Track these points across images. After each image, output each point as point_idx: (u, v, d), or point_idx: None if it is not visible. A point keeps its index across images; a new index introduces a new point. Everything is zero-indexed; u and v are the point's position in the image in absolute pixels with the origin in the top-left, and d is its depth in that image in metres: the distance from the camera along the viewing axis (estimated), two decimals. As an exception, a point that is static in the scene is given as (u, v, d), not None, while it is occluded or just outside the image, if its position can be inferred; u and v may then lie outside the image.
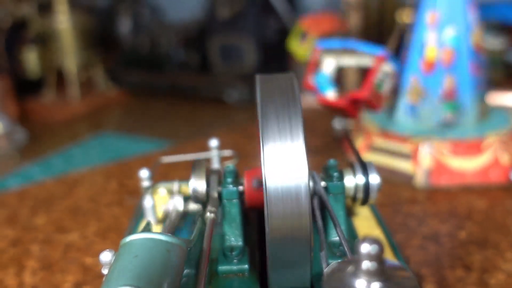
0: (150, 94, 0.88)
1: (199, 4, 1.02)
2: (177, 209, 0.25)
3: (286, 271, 0.18)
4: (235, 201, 0.22)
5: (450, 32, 0.42)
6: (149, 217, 0.26)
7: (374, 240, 0.14)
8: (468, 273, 0.29)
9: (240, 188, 0.22)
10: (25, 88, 0.82)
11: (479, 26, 0.43)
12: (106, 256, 0.17)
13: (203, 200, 0.22)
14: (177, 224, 0.24)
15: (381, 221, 0.26)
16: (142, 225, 0.25)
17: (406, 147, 0.42)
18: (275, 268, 0.18)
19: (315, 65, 0.40)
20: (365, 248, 0.14)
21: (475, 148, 0.41)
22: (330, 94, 0.38)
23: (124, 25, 0.95)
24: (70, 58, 0.80)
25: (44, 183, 0.45)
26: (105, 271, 0.17)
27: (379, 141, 0.44)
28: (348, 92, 0.38)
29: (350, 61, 0.40)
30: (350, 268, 0.15)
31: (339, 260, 0.19)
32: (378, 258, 0.14)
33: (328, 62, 0.39)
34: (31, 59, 0.78)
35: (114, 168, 0.48)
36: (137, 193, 0.42)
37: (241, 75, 0.77)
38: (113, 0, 0.99)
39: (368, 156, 0.43)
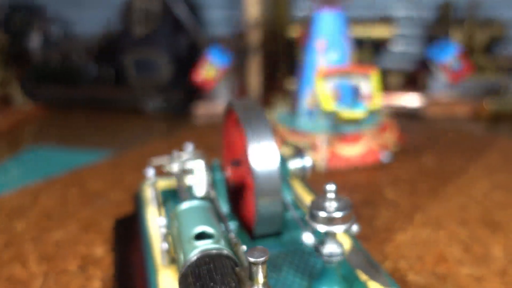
0: (67, 107, 0.91)
1: (105, 17, 1.08)
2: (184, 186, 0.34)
3: (266, 224, 0.30)
4: (221, 182, 0.33)
5: (334, 56, 0.57)
6: (154, 203, 0.35)
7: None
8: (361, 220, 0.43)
9: (226, 174, 0.33)
10: None
11: (352, 51, 0.59)
12: (161, 220, 0.27)
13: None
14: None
15: (309, 189, 0.39)
16: (149, 210, 0.35)
17: (308, 141, 0.56)
18: (259, 219, 0.29)
19: None
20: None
21: (356, 139, 0.56)
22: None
23: (34, 41, 0.97)
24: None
25: (4, 196, 0.51)
26: (162, 229, 0.27)
27: (289, 138, 0.57)
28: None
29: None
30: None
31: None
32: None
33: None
34: None
35: (69, 178, 0.54)
36: (102, 195, 0.50)
37: (157, 87, 0.86)
38: (21, 16, 1.00)
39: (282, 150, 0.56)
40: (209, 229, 0.24)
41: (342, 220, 0.24)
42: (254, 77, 0.79)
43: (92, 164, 0.58)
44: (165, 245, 0.27)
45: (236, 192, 0.34)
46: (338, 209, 0.24)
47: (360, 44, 0.73)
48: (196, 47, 0.91)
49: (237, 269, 0.22)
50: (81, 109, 0.91)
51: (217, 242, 0.23)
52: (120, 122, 0.82)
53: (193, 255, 0.22)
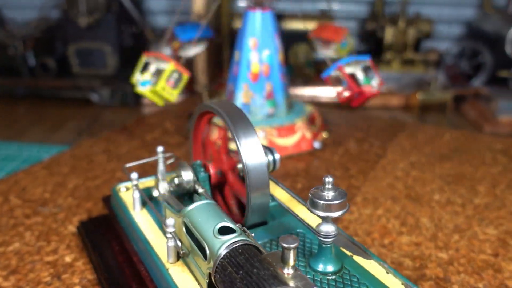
0: (7, 99, 0.86)
1: (37, 2, 1.03)
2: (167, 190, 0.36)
3: (256, 214, 0.33)
4: (206, 181, 0.35)
5: (266, 53, 0.61)
6: (137, 205, 0.36)
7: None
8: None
9: (208, 173, 0.35)
10: None
11: (282, 48, 0.63)
12: (170, 221, 0.29)
13: (190, 184, 0.35)
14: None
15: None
16: (135, 211, 0.36)
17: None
18: (252, 210, 0.32)
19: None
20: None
21: (290, 130, 0.61)
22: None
23: None
24: None
25: None
26: (170, 228, 0.28)
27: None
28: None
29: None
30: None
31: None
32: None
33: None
34: None
35: (5, 185, 0.51)
36: (47, 202, 0.48)
37: (103, 77, 0.85)
38: None
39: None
40: (230, 224, 0.27)
41: (338, 207, 0.28)
42: (202, 69, 0.81)
43: (26, 169, 0.55)
44: (172, 244, 0.29)
45: (216, 188, 0.36)
46: (334, 198, 0.28)
47: (301, 37, 0.77)
48: (140, 38, 0.91)
49: (266, 254, 0.25)
50: (22, 101, 0.85)
51: (240, 235, 0.26)
52: (66, 113, 0.79)
53: (225, 248, 0.25)
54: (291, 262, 0.24)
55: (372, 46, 0.98)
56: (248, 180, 0.31)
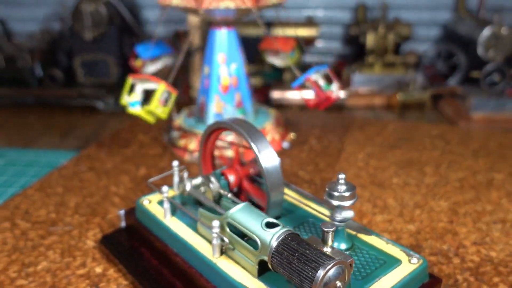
0: (16, 108, 0.89)
1: (39, 15, 1.11)
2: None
3: (274, 208, 0.39)
4: (227, 188, 0.41)
5: (234, 66, 0.67)
6: (167, 213, 0.41)
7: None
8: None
9: (228, 179, 0.41)
10: None
11: (246, 61, 0.70)
12: (216, 223, 0.34)
13: (216, 191, 0.40)
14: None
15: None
16: (167, 218, 0.40)
17: (223, 142, 0.66)
18: (272, 206, 0.39)
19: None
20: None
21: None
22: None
23: None
24: None
25: None
26: (215, 229, 0.34)
27: (247, 143, 0.66)
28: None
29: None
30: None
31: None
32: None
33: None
34: None
35: (6, 211, 0.53)
36: (55, 222, 0.51)
37: (107, 86, 0.91)
38: None
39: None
40: (273, 220, 0.33)
41: (349, 197, 0.36)
42: (197, 76, 0.86)
43: (21, 193, 0.57)
44: (218, 241, 0.35)
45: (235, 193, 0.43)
46: (346, 190, 0.36)
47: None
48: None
49: (308, 239, 0.32)
50: (30, 110, 0.89)
51: (283, 227, 0.32)
52: (73, 121, 0.84)
53: (277, 237, 0.31)
54: (330, 242, 0.31)
55: (355, 50, 1.06)
56: (267, 181, 0.38)
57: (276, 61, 0.86)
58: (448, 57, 0.99)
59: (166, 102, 0.59)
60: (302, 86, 0.63)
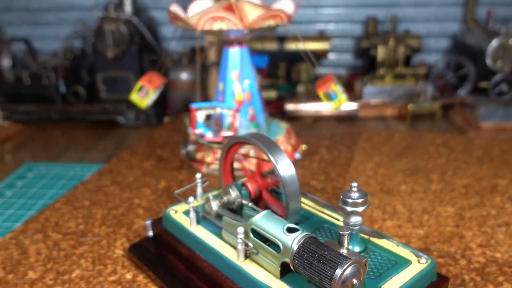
0: (42, 124, 0.94)
1: (61, 34, 1.17)
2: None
3: (292, 215, 0.43)
4: (248, 197, 0.44)
5: (247, 82, 0.71)
6: (193, 222, 0.44)
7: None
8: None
9: (248, 189, 0.45)
10: None
11: (258, 77, 0.74)
12: (241, 229, 0.38)
13: (238, 200, 0.44)
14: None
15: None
16: (193, 226, 0.44)
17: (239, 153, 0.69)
18: (290, 214, 0.42)
19: (194, 119, 0.63)
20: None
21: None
22: (209, 134, 0.62)
23: (5, 61, 0.96)
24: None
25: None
26: (240, 235, 0.37)
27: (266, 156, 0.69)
28: (220, 131, 0.62)
29: (210, 112, 0.64)
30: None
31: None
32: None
33: (199, 114, 0.63)
34: None
35: (36, 223, 0.57)
36: (84, 233, 0.55)
37: (128, 101, 0.94)
38: None
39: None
40: (293, 225, 0.36)
41: (361, 204, 0.39)
42: (213, 91, 0.91)
43: (50, 206, 0.61)
44: (242, 246, 0.38)
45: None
46: (359, 197, 0.39)
47: (302, 57, 0.86)
48: (157, 63, 1.00)
49: (325, 242, 0.35)
50: (55, 125, 0.94)
51: (303, 231, 0.36)
52: (95, 135, 0.89)
53: (298, 241, 0.34)
54: (346, 244, 0.34)
55: (367, 62, 1.10)
56: (286, 191, 0.41)
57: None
58: (458, 68, 1.03)
59: (146, 94, 0.71)
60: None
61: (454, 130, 0.86)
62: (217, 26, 0.63)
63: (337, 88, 0.68)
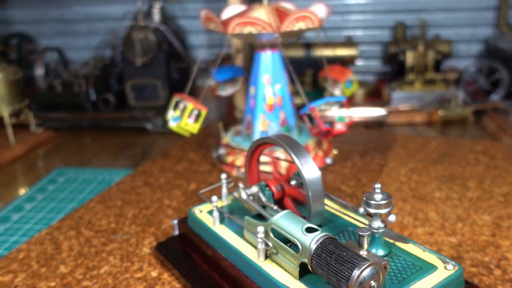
0: (73, 131, 0.98)
1: (91, 44, 1.23)
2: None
3: (315, 218, 0.42)
4: (271, 198, 0.44)
5: (278, 87, 0.71)
6: (216, 222, 0.45)
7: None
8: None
9: (272, 190, 0.45)
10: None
11: (289, 81, 0.74)
12: (260, 228, 0.38)
13: (261, 201, 0.44)
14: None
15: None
16: (216, 225, 0.44)
17: (267, 157, 0.69)
18: (313, 216, 0.42)
19: (318, 118, 0.65)
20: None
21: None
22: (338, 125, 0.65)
23: (38, 70, 1.02)
24: (3, 107, 0.86)
25: (22, 247, 0.54)
26: (260, 234, 0.37)
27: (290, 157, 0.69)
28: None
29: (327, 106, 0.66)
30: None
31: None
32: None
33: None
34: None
35: (71, 221, 0.59)
36: (115, 231, 0.56)
37: (156, 108, 0.98)
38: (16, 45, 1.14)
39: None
40: (311, 225, 0.36)
41: (385, 206, 0.38)
42: (240, 96, 0.92)
43: (84, 205, 0.63)
44: (263, 246, 0.38)
45: (277, 202, 0.46)
46: (382, 199, 0.38)
47: (329, 63, 0.86)
48: (185, 71, 1.03)
49: (345, 243, 0.34)
50: (85, 132, 0.98)
51: (322, 231, 0.35)
52: (124, 141, 0.91)
53: (316, 241, 0.34)
54: (365, 245, 0.34)
55: (395, 68, 1.08)
56: (310, 193, 0.41)
57: (336, 91, 0.86)
58: (490, 73, 0.99)
59: (197, 118, 0.67)
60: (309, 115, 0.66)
61: (487, 136, 0.83)
62: (247, 30, 0.63)
63: (352, 76, 0.69)
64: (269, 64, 0.71)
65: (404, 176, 0.67)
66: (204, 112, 0.67)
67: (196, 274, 0.44)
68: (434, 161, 0.72)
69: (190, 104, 0.67)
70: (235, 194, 0.45)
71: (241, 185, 0.45)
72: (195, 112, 0.67)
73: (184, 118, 0.67)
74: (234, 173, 0.70)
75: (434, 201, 0.59)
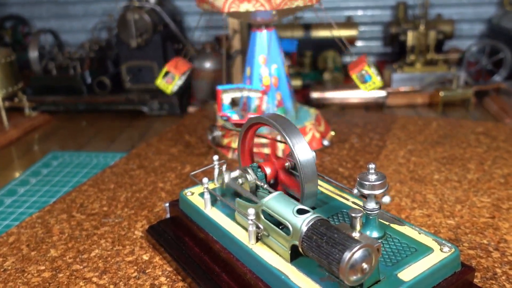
0: (68, 114, 0.97)
1: (86, 27, 1.22)
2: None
3: (308, 199, 0.41)
4: (264, 179, 0.43)
5: (274, 67, 0.69)
6: (208, 204, 0.44)
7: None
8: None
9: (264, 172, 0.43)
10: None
11: (286, 61, 0.72)
12: (251, 210, 0.36)
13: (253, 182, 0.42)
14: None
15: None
16: (208, 208, 0.43)
17: (265, 140, 0.68)
18: (306, 197, 0.40)
19: (220, 102, 0.62)
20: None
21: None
22: (235, 116, 0.61)
23: (33, 52, 0.99)
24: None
25: (13, 231, 0.53)
26: (251, 216, 0.36)
27: (282, 137, 0.68)
28: (246, 114, 0.61)
29: (237, 94, 0.63)
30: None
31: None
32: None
33: (225, 97, 0.62)
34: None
35: (63, 204, 0.58)
36: (108, 214, 0.55)
37: (152, 91, 0.97)
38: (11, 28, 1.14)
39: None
40: (303, 207, 0.35)
41: (379, 187, 0.37)
42: (238, 79, 0.90)
43: (77, 188, 0.62)
44: (253, 228, 0.37)
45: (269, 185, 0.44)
46: (376, 180, 0.37)
47: (328, 44, 0.83)
48: (180, 53, 1.00)
49: (337, 225, 0.33)
50: (83, 116, 0.97)
51: (314, 213, 0.34)
52: (120, 124, 0.91)
53: (307, 223, 0.33)
54: (358, 227, 0.32)
55: (396, 48, 1.06)
56: (302, 174, 0.40)
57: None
58: (493, 53, 0.97)
59: (172, 80, 0.71)
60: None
61: (489, 118, 0.81)
62: (243, 7, 0.61)
63: (371, 70, 0.65)
64: (264, 44, 0.69)
65: (402, 158, 0.66)
66: (177, 75, 0.71)
67: (187, 258, 0.43)
68: (434, 143, 0.70)
69: (164, 68, 0.72)
70: (218, 179, 0.43)
71: (224, 169, 0.44)
72: (170, 74, 0.72)
73: (159, 78, 0.72)
74: (230, 155, 0.69)
75: (433, 183, 0.58)
